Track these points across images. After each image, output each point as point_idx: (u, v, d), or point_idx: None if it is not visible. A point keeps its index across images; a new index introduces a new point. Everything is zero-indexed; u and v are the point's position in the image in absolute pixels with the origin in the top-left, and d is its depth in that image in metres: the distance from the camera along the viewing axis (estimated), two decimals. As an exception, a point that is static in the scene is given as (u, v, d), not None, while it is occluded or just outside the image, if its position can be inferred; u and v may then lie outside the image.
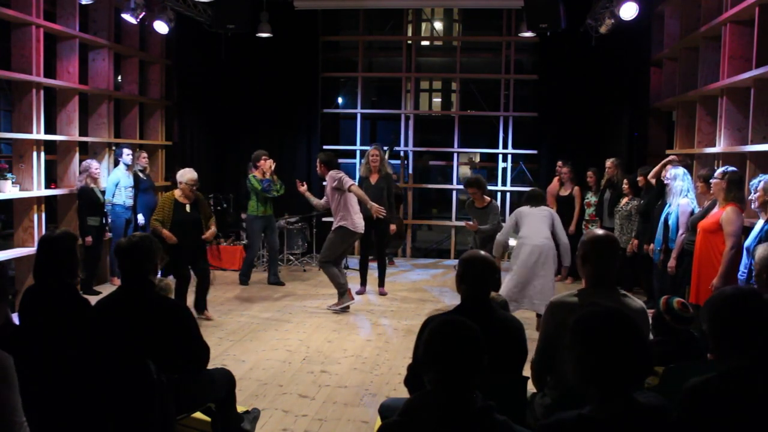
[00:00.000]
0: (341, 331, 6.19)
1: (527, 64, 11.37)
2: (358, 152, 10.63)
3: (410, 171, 10.65)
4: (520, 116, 10.58)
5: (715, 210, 5.08)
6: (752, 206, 4.55)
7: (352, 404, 4.43)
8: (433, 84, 15.98)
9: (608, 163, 7.97)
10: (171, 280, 5.68)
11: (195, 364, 3.29)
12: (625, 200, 7.41)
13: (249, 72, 10.05)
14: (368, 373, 5.05)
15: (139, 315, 3.13)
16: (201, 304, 6.42)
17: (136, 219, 7.93)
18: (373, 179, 7.53)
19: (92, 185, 7.39)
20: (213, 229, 6.34)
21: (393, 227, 7.73)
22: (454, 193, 10.60)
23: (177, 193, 6.28)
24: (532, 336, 3.46)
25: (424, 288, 8.27)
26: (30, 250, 6.53)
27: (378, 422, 3.21)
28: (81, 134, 7.80)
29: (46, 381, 2.61)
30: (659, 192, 6.52)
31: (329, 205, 7.04)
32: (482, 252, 3.20)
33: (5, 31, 6.85)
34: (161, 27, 8.17)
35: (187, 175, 6.26)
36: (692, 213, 5.82)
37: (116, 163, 8.02)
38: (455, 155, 10.61)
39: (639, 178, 7.23)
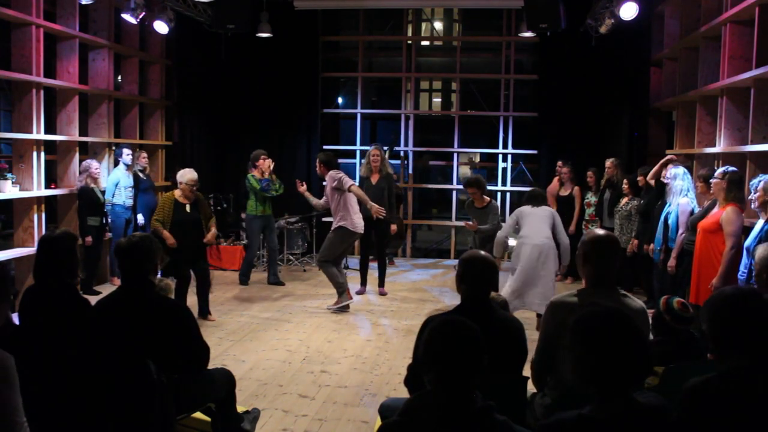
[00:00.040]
0: (341, 331, 6.19)
1: (527, 64, 11.37)
2: (358, 152, 10.63)
3: (410, 171, 10.65)
4: (520, 116, 10.58)
5: (715, 210, 5.08)
6: (752, 206, 4.55)
7: (352, 404, 4.43)
8: (433, 84, 15.98)
9: (608, 163, 7.97)
10: (171, 280, 5.68)
11: (195, 364, 3.29)
12: (624, 200, 7.41)
13: (249, 72, 10.05)
14: (368, 373, 5.05)
15: (139, 315, 3.13)
16: (204, 308, 6.40)
17: (135, 219, 7.94)
18: (374, 179, 7.52)
19: (92, 185, 7.40)
20: (213, 230, 6.33)
21: (394, 227, 7.73)
22: (454, 193, 10.60)
23: (177, 193, 6.28)
24: (532, 336, 3.46)
25: (424, 288, 8.27)
26: (30, 250, 6.54)
27: (378, 422, 3.21)
28: (81, 134, 7.80)
29: (46, 381, 2.61)
30: (659, 192, 6.53)
31: (329, 205, 7.04)
32: (482, 252, 3.20)
33: (5, 31, 6.85)
34: (161, 27, 8.17)
35: (187, 175, 6.26)
36: (692, 212, 5.82)
37: (116, 163, 8.02)
38: (455, 155, 10.61)
39: (639, 178, 7.23)
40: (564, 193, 8.46)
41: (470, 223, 6.67)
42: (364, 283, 7.79)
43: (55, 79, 7.36)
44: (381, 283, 7.76)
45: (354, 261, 8.65)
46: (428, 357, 2.00)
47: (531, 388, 3.06)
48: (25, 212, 6.87)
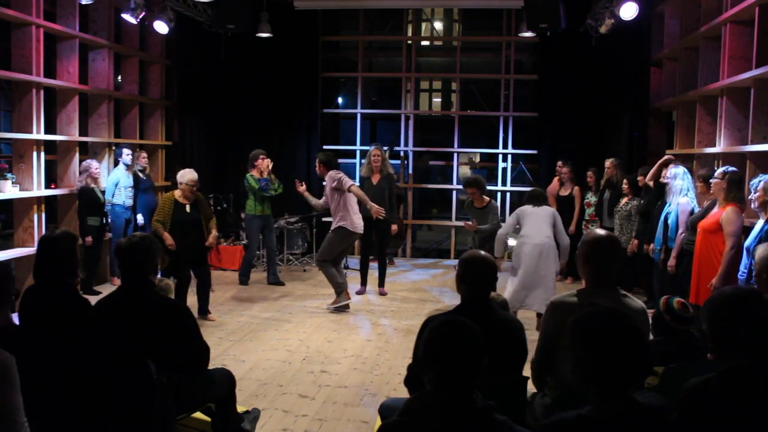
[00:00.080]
0: (341, 331, 6.19)
1: (527, 64, 11.37)
2: (358, 152, 10.64)
3: (410, 171, 10.66)
4: (520, 116, 10.58)
5: (715, 210, 5.08)
6: (752, 206, 4.55)
7: (352, 404, 4.43)
8: (433, 84, 15.98)
9: (608, 163, 7.97)
10: (171, 280, 5.68)
11: (195, 364, 3.29)
12: (624, 200, 7.42)
13: (249, 72, 10.05)
14: (368, 373, 5.05)
15: (139, 315, 3.13)
16: (204, 308, 6.41)
17: (135, 219, 7.94)
18: (375, 179, 7.52)
19: (92, 185, 7.40)
20: (214, 232, 6.32)
21: (394, 227, 7.73)
22: (454, 193, 10.60)
23: (177, 193, 6.27)
24: (532, 336, 3.46)
25: (424, 288, 8.27)
26: (30, 250, 6.54)
27: (378, 422, 3.21)
28: (81, 134, 7.81)
29: (46, 381, 2.61)
30: (659, 192, 6.53)
31: (328, 205, 7.03)
32: (482, 252, 3.20)
33: (5, 31, 6.85)
34: (161, 27, 8.17)
35: (187, 175, 6.26)
36: (692, 212, 5.82)
37: (116, 163, 8.02)
38: (455, 155, 10.61)
39: (639, 178, 7.23)
40: (564, 193, 8.46)
41: (470, 223, 6.67)
42: (364, 283, 7.79)
43: (55, 79, 7.36)
44: (381, 283, 7.76)
45: (354, 261, 8.65)
46: (428, 357, 2.00)
47: (531, 388, 3.06)
48: (25, 212, 6.87)
